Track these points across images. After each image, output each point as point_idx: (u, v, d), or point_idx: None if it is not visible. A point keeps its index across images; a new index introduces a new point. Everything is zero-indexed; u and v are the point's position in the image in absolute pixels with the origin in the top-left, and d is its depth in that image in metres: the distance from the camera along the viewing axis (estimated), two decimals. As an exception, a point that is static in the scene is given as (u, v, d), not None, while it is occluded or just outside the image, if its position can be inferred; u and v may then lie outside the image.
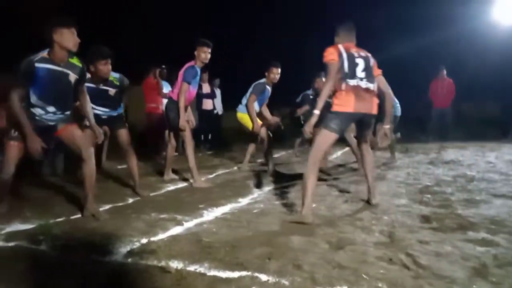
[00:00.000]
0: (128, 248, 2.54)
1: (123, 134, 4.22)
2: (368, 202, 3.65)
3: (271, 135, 5.64)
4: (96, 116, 4.15)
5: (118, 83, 4.17)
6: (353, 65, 3.21)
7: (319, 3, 15.64)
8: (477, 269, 2.17)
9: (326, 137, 3.23)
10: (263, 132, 5.55)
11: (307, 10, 15.87)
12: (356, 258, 2.34)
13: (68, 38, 2.95)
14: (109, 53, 3.88)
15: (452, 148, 7.86)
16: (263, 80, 5.55)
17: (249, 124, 5.58)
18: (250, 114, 5.48)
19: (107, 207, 3.65)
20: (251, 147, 6.02)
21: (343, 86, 3.20)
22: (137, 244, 2.62)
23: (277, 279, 2.06)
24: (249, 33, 15.65)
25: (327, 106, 3.28)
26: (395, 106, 6.26)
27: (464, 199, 3.80)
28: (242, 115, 5.65)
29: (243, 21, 15.92)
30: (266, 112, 5.89)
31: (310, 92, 6.63)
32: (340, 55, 3.20)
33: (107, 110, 4.19)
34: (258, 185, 4.67)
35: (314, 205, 3.67)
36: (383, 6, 13.24)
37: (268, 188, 4.55)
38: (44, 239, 2.68)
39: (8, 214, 3.24)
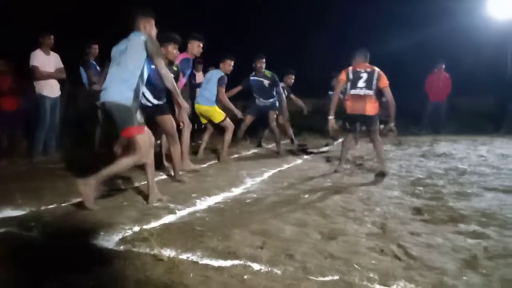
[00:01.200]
0: (120, 236, 2.54)
1: (168, 120, 4.22)
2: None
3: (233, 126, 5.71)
4: (143, 106, 4.06)
5: (176, 69, 4.31)
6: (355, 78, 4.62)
7: (319, 2, 15.50)
8: (468, 261, 2.19)
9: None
10: (228, 121, 5.60)
11: (307, 9, 15.72)
12: (348, 248, 2.36)
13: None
14: (179, 40, 4.27)
15: (445, 141, 7.90)
16: (222, 72, 5.61)
17: (215, 116, 5.59)
18: (227, 103, 5.67)
19: (99, 195, 3.63)
20: (228, 136, 5.91)
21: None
22: (129, 232, 2.61)
23: (269, 268, 2.07)
24: (248, 31, 15.52)
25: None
26: None
27: (455, 191, 3.83)
28: (208, 108, 5.59)
29: (243, 20, 15.81)
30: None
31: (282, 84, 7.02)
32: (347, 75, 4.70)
33: (156, 102, 4.19)
34: (251, 175, 4.67)
35: (306, 196, 3.70)
36: (382, 2, 13.23)
37: (261, 178, 4.56)
38: (35, 226, 2.65)
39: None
